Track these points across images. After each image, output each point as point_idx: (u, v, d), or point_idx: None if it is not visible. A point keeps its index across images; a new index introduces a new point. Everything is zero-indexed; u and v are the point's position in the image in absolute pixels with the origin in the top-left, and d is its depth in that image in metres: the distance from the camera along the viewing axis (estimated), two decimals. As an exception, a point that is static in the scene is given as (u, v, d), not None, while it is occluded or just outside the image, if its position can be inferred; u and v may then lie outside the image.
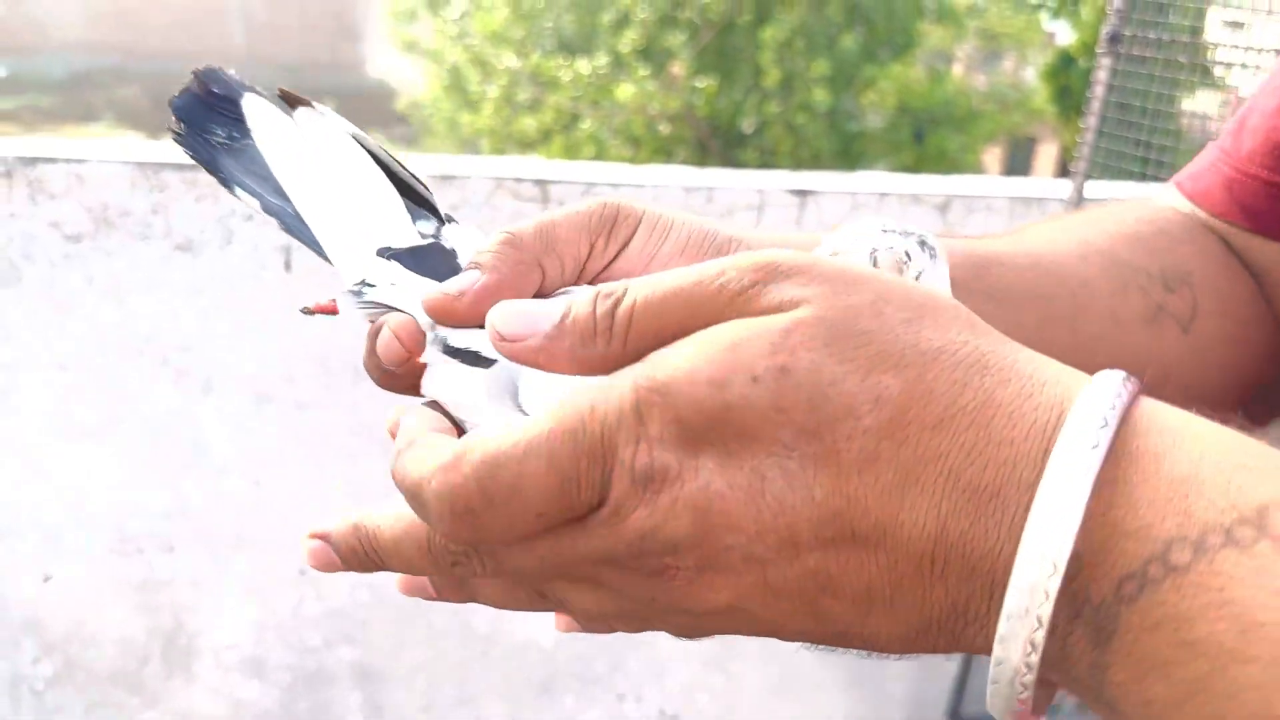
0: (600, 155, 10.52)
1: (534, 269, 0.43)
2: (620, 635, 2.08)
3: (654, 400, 0.33)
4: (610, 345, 0.35)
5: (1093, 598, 0.29)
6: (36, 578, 1.71)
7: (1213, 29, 1.87)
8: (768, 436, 0.32)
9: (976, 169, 12.62)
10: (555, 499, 0.34)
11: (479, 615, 1.90)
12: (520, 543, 0.35)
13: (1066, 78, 11.84)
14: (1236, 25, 1.82)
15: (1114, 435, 0.30)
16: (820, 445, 0.32)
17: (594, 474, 0.33)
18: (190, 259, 1.59)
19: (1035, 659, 0.30)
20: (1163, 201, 0.64)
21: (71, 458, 1.67)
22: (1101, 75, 1.78)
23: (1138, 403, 0.32)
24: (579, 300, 0.36)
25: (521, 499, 0.34)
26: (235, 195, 0.47)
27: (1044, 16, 13.49)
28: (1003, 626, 0.30)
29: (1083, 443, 0.30)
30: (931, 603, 0.32)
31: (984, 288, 0.51)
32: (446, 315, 0.41)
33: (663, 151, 10.89)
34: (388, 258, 0.45)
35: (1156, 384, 0.53)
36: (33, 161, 1.52)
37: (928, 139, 11.64)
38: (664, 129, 10.92)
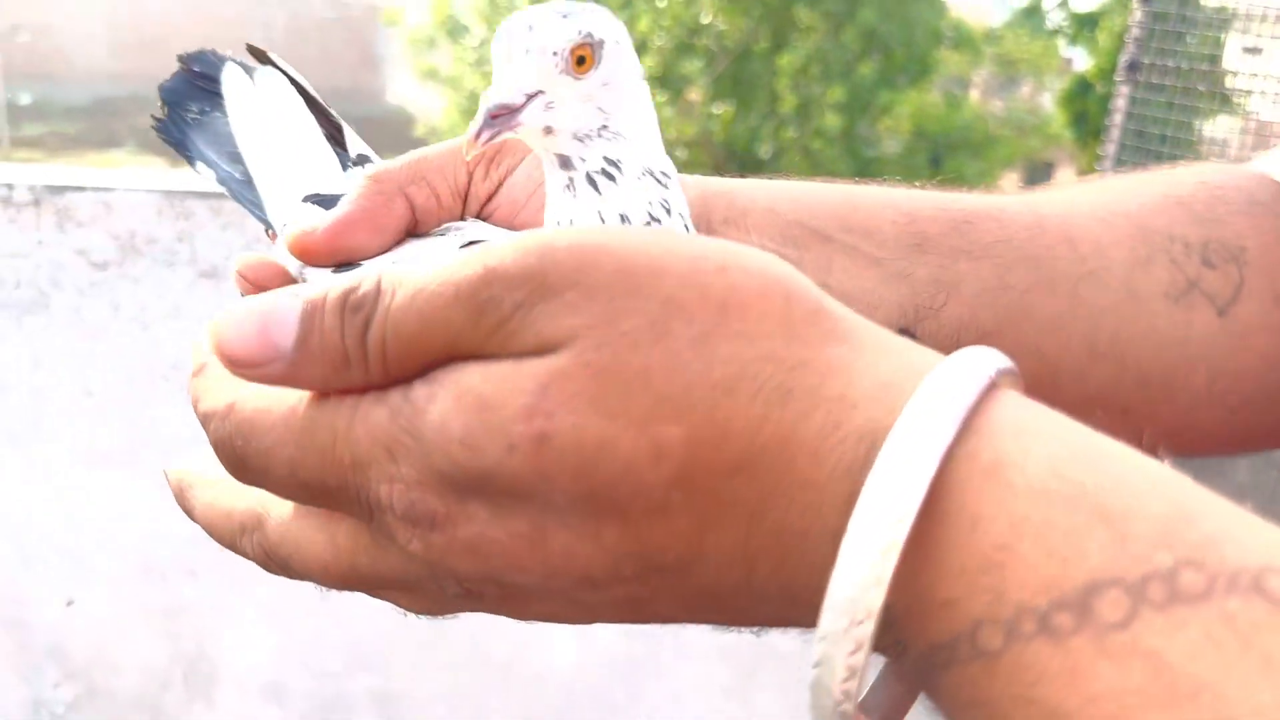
0: (617, 181, 10.46)
1: (396, 199, 0.41)
2: (639, 665, 1.97)
3: (407, 444, 0.29)
4: (370, 374, 0.30)
5: (909, 649, 0.27)
6: (60, 602, 1.72)
7: (1231, 55, 1.87)
8: (539, 498, 0.29)
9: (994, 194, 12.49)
10: (302, 492, 0.32)
11: (497, 643, 1.89)
12: (309, 518, 0.34)
13: (1083, 103, 11.84)
14: (1255, 51, 1.82)
15: (926, 491, 0.26)
16: (599, 504, 0.28)
17: (349, 494, 0.31)
18: (215, 285, 1.60)
19: (849, 707, 0.27)
20: (1255, 168, 0.55)
21: (96, 483, 1.68)
22: (1120, 103, 1.79)
23: (978, 420, 0.27)
24: (323, 310, 0.31)
25: (274, 473, 0.32)
26: (197, 170, 0.47)
27: (1061, 42, 13.48)
28: (812, 673, 0.27)
29: (884, 515, 0.26)
30: (761, 610, 0.30)
31: (962, 244, 0.46)
32: (303, 253, 0.40)
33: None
34: (309, 202, 0.44)
35: (1181, 371, 0.48)
36: (61, 190, 1.54)
37: (945, 164, 11.63)
38: (681, 154, 10.68)
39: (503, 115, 0.35)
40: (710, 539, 0.29)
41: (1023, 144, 12.32)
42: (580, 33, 0.35)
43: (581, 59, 0.36)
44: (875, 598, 0.26)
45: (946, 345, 0.41)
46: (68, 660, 1.75)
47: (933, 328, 0.45)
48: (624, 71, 0.36)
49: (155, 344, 1.63)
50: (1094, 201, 0.50)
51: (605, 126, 0.36)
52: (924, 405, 0.27)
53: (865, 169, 10.91)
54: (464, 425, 0.29)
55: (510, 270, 0.29)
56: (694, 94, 10.99)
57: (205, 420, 0.34)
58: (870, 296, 0.44)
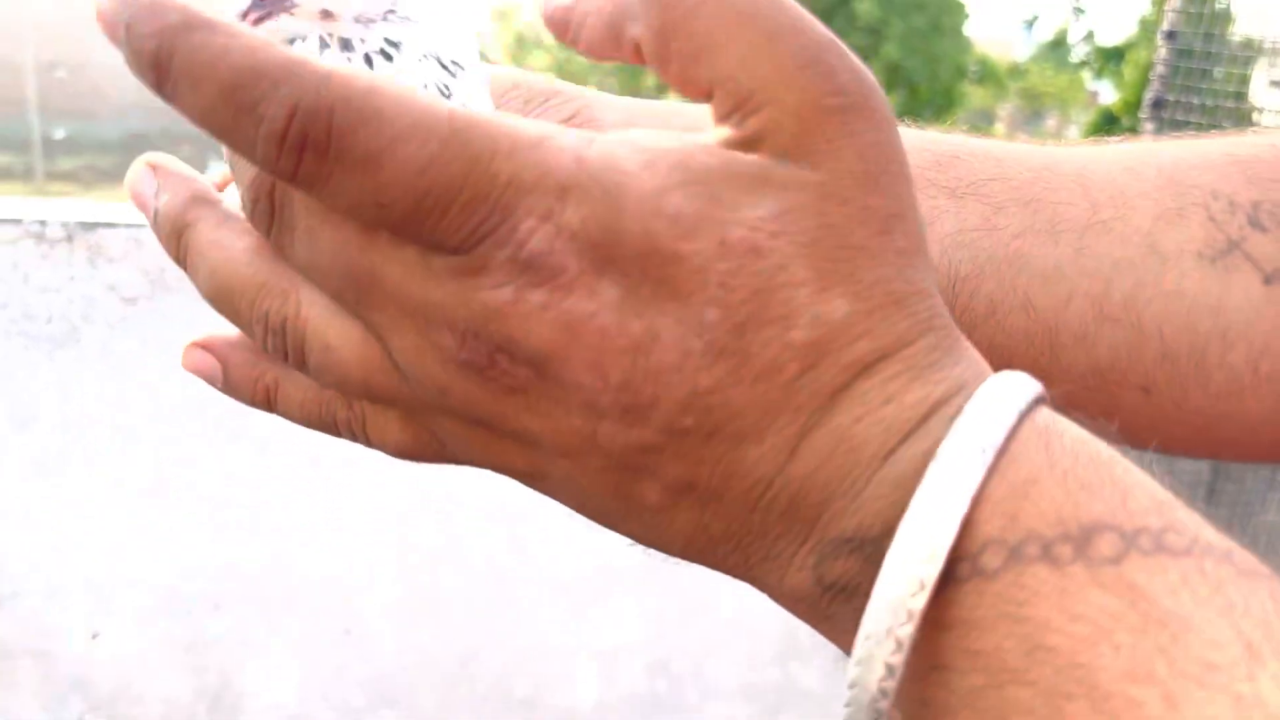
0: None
1: None
2: (662, 703, 1.93)
3: (593, 191, 0.27)
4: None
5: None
6: (85, 635, 1.73)
7: (1257, 90, 1.87)
8: (693, 306, 0.27)
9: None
10: (410, 196, 0.27)
11: (520, 681, 1.89)
12: (336, 225, 0.29)
13: (1109, 136, 11.88)
14: (1282, 86, 1.82)
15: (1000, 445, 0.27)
16: (735, 340, 0.28)
17: (469, 215, 0.27)
18: (243, 321, 1.61)
19: (885, 704, 0.27)
20: None
21: (123, 516, 1.69)
22: (1145, 141, 1.79)
23: (1036, 405, 0.29)
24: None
25: (375, 164, 0.27)
26: None
27: (1086, 76, 13.51)
28: (852, 672, 0.27)
29: (972, 444, 0.27)
30: (743, 524, 0.29)
31: (943, 179, 0.42)
32: None
33: None
34: None
35: (1215, 346, 0.41)
36: (93, 226, 1.57)
37: (970, 198, 11.69)
38: None
39: None
40: (783, 419, 0.28)
41: (1048, 178, 12.12)
42: None
43: None
44: (918, 601, 0.26)
45: None
46: (92, 692, 1.76)
47: None
48: None
49: (185, 379, 1.64)
50: (1123, 150, 0.45)
51: (393, 11, 0.33)
52: (1006, 382, 0.28)
53: None
54: (684, 204, 0.27)
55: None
56: None
57: (265, 72, 0.26)
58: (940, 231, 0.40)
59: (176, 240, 0.34)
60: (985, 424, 0.27)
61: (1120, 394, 0.42)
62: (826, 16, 10.96)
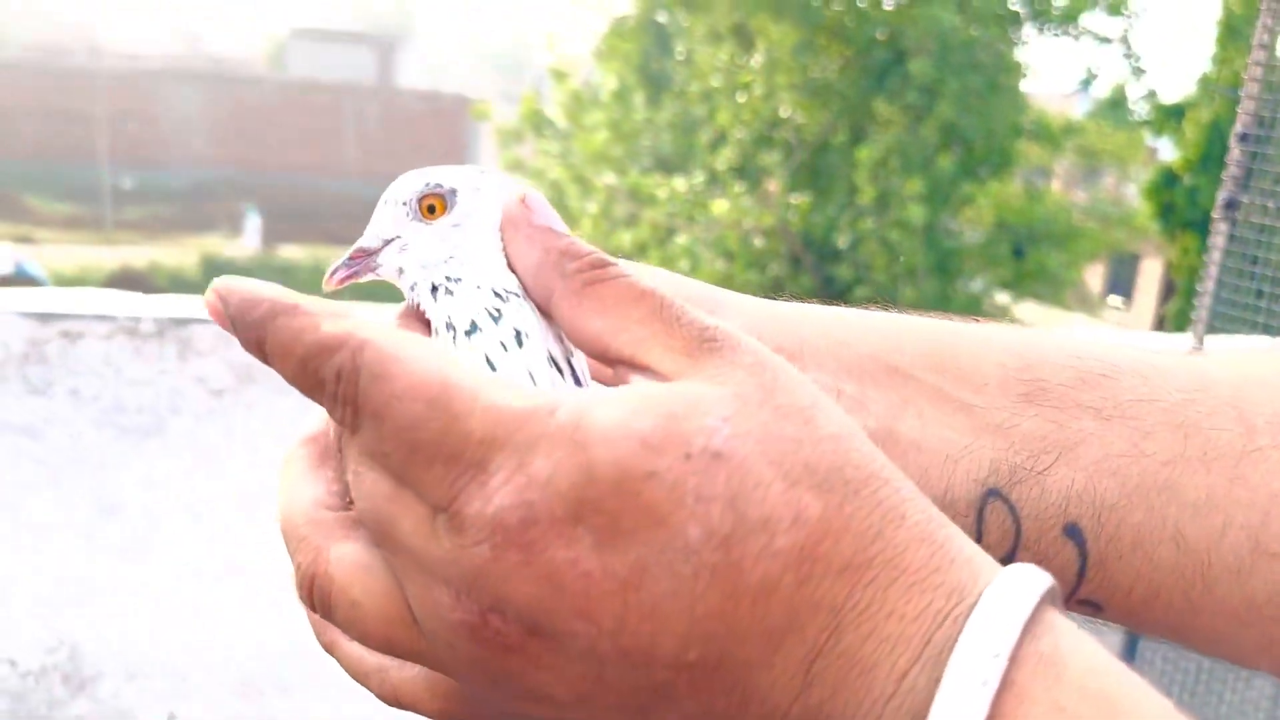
0: (695, 268, 10.61)
1: None
2: None
3: (559, 439, 0.29)
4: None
5: None
6: (162, 715, 1.76)
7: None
8: (674, 526, 0.28)
9: (1078, 285, 12.33)
10: (403, 449, 0.30)
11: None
12: (377, 472, 0.32)
13: (1170, 194, 11.72)
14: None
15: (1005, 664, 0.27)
16: (724, 556, 0.28)
17: (448, 470, 0.29)
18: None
19: None
20: None
21: (200, 602, 1.73)
22: (1219, 240, 1.78)
23: (1039, 615, 0.29)
24: None
25: (380, 418, 0.30)
26: None
27: (1145, 133, 13.30)
28: None
29: (973, 677, 0.27)
30: None
31: (1090, 399, 0.40)
32: None
33: (756, 265, 10.88)
34: None
35: None
36: (184, 323, 1.62)
37: (1028, 255, 11.49)
38: (758, 242, 10.92)
39: (360, 258, 0.40)
40: (786, 648, 0.28)
41: (1108, 236, 12.16)
42: (428, 185, 0.40)
43: (431, 207, 0.40)
44: None
45: (1050, 516, 0.39)
46: (166, 770, 1.78)
47: (1032, 492, 0.39)
48: (479, 214, 0.40)
49: (265, 467, 1.69)
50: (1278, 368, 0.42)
51: (452, 257, 0.39)
52: (1011, 582, 0.29)
53: (946, 260, 11.15)
54: (651, 426, 0.29)
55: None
56: (772, 185, 11.05)
57: (325, 346, 0.32)
58: (950, 447, 0.39)
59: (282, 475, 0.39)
60: (986, 657, 0.27)
61: (1277, 631, 0.40)
62: (880, 76, 10.92)
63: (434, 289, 0.39)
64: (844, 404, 0.39)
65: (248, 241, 13.13)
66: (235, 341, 0.33)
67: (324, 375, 0.31)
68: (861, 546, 0.28)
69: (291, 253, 13.15)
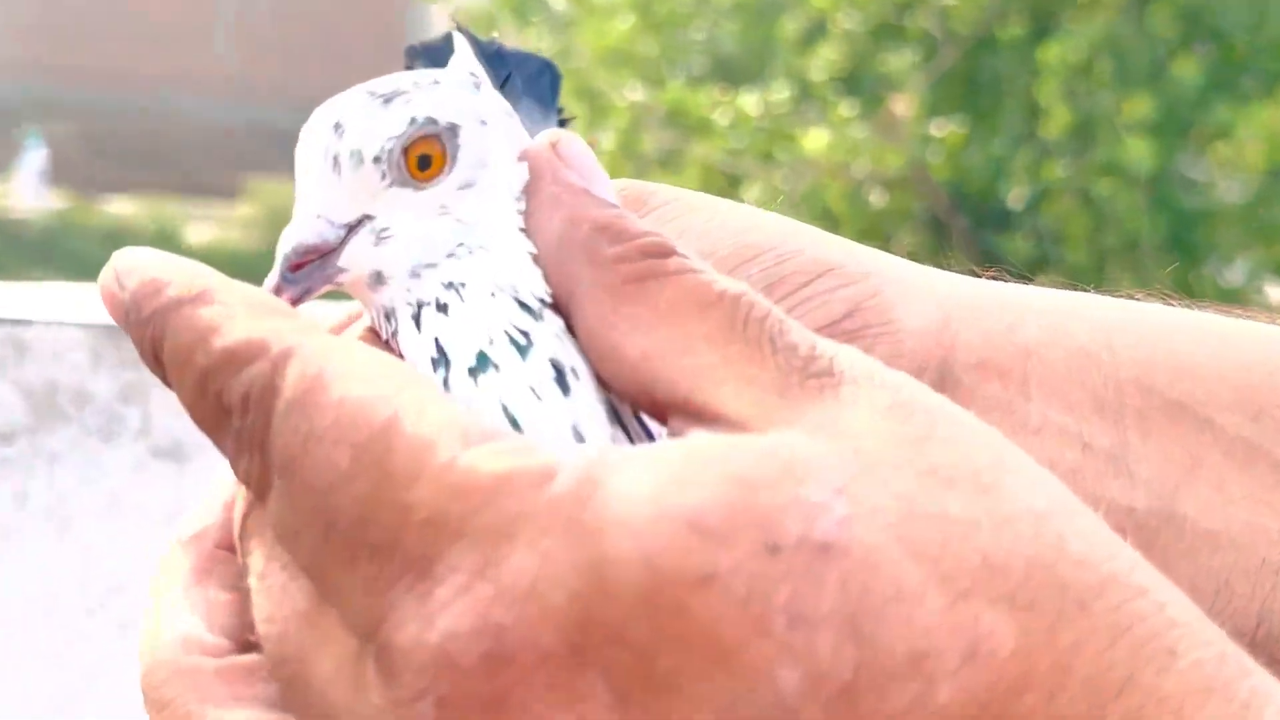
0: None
1: None
2: None
3: (559, 516, 0.21)
4: None
5: None
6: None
7: None
8: (751, 669, 0.20)
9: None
10: (316, 524, 0.22)
11: None
12: (291, 572, 0.23)
13: None
14: None
15: None
16: (844, 719, 0.20)
17: (375, 565, 0.21)
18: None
19: None
20: None
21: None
22: None
23: None
24: None
25: (288, 472, 0.22)
26: None
27: None
28: None
29: None
30: None
31: None
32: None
33: (874, 232, 8.11)
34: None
35: None
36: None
37: (1322, 222, 8.69)
38: (877, 200, 8.60)
39: (308, 262, 0.28)
40: None
41: None
42: (415, 120, 0.28)
43: (425, 159, 0.28)
44: None
45: None
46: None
47: None
48: (494, 163, 0.29)
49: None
50: None
51: (462, 244, 0.29)
52: None
53: (1187, 228, 8.66)
54: (708, 501, 0.20)
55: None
56: (901, 105, 8.56)
57: (234, 354, 0.23)
58: (1271, 541, 0.31)
59: None
60: None
61: None
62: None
63: (420, 307, 0.29)
64: (1090, 466, 0.32)
65: (22, 187, 9.98)
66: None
67: (229, 400, 0.24)
68: (1098, 703, 0.20)
69: (123, 207, 9.79)
